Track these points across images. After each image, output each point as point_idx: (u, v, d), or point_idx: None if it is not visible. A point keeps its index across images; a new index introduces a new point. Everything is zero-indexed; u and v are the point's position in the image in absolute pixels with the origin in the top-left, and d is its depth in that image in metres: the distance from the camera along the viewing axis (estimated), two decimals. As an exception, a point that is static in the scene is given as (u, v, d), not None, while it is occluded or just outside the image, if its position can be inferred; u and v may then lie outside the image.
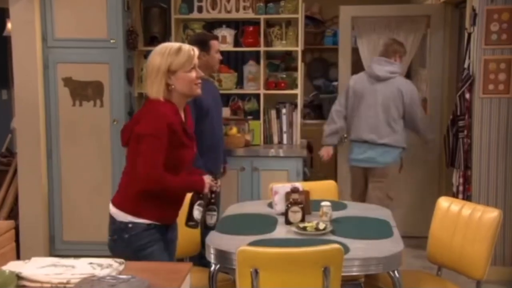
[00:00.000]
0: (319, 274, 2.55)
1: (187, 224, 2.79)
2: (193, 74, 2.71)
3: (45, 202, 4.92)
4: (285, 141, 5.19)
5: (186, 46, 2.71)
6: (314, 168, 6.33)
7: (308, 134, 6.33)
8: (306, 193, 3.41)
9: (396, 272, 2.83)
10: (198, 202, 2.76)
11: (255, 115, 5.30)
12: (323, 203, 3.28)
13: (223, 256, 2.85)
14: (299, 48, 5.14)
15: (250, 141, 5.10)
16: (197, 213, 2.76)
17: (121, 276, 1.94)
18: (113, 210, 2.74)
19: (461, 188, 4.67)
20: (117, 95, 4.89)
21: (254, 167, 4.87)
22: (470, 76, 4.64)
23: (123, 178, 2.80)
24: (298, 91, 5.16)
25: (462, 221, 3.23)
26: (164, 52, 2.66)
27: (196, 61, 2.72)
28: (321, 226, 3.09)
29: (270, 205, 3.55)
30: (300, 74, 5.20)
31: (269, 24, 5.29)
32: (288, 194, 3.32)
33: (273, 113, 5.23)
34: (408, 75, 6.08)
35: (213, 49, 4.11)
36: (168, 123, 2.62)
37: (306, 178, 4.91)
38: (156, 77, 2.65)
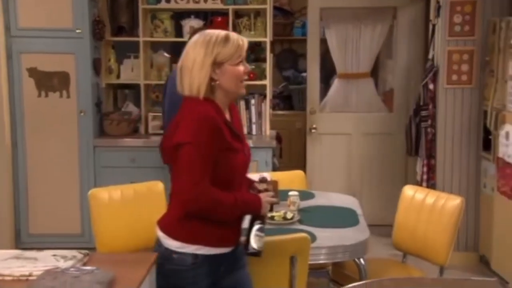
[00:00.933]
0: (286, 262, 2.57)
1: (247, 254, 2.35)
2: (241, 68, 2.28)
3: (10, 195, 4.82)
4: (254, 131, 5.18)
5: (235, 35, 2.29)
6: (283, 159, 6.34)
7: (278, 124, 6.34)
8: (274, 183, 3.40)
9: (362, 259, 2.87)
10: (258, 227, 2.29)
11: (224, 106, 5.27)
12: (290, 193, 3.30)
13: (191, 247, 2.83)
14: (267, 39, 5.13)
15: (219, 132, 5.07)
16: (256, 240, 2.28)
17: (85, 268, 1.91)
18: (159, 232, 2.34)
19: (425, 176, 4.74)
20: (84, 86, 4.81)
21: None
22: (434, 67, 4.70)
23: (172, 199, 2.38)
24: (267, 82, 5.16)
25: (426, 208, 3.28)
26: (209, 41, 2.22)
27: (244, 53, 2.31)
28: (289, 215, 3.11)
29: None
30: (269, 65, 5.20)
31: (238, 14, 5.25)
32: (254, 184, 3.32)
33: (242, 104, 5.20)
34: (376, 66, 6.15)
35: None
36: (210, 124, 2.19)
37: (275, 168, 4.91)
38: (200, 70, 2.21)
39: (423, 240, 3.23)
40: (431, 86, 4.73)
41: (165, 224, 2.32)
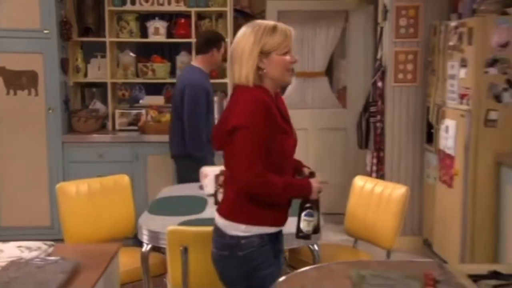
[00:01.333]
0: (243, 249, 2.56)
1: (297, 237, 2.31)
2: (287, 57, 2.19)
3: (-19, 190, 4.71)
4: (217, 127, 5.15)
5: (282, 25, 2.20)
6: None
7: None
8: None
9: (315, 245, 2.86)
10: (306, 211, 2.25)
11: (188, 102, 5.23)
12: (248, 184, 3.28)
13: (155, 236, 2.80)
14: (228, 40, 5.09)
15: (184, 129, 5.04)
16: (305, 224, 2.25)
17: (49, 258, 1.87)
18: (220, 222, 2.24)
19: (374, 168, 4.80)
20: (52, 84, 4.72)
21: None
22: (382, 66, 4.75)
23: (227, 185, 2.31)
24: (228, 80, 5.13)
25: (375, 197, 3.30)
26: (257, 31, 2.15)
27: (291, 43, 2.21)
28: (247, 205, 3.09)
29: (201, 187, 3.52)
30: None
31: (200, 16, 5.22)
32: (217, 177, 3.30)
33: (204, 100, 5.17)
34: (330, 65, 6.19)
35: (222, 48, 4.11)
36: (264, 107, 2.11)
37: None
38: (248, 59, 2.13)
39: (372, 226, 3.26)
40: (379, 84, 4.78)
41: (228, 212, 2.22)
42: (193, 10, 5.00)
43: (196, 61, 4.13)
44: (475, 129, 3.82)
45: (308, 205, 2.23)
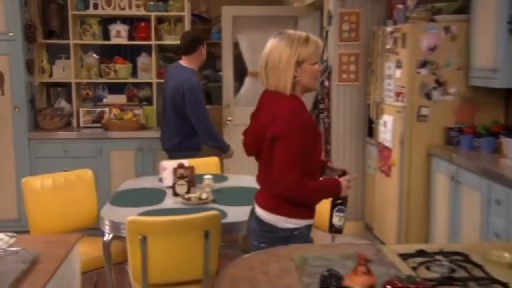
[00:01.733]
0: (200, 237, 2.55)
1: (330, 231, 2.34)
2: (317, 67, 2.20)
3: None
4: (176, 123, 5.11)
5: (313, 37, 2.19)
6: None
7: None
8: (191, 168, 3.39)
9: (266, 232, 2.88)
10: (337, 208, 2.27)
11: (149, 101, 5.20)
12: (205, 177, 3.28)
13: (116, 227, 2.76)
14: (186, 42, 5.06)
15: (145, 124, 5.01)
16: (337, 219, 2.28)
17: (10, 249, 1.82)
18: (269, 217, 2.22)
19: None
20: (18, 84, 4.61)
21: (149, 147, 4.78)
22: (328, 67, 4.82)
23: (268, 184, 2.25)
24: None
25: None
26: (292, 42, 2.13)
27: (320, 54, 2.23)
28: (204, 196, 3.09)
29: (161, 180, 3.49)
30: (187, 65, 5.13)
31: (160, 20, 5.17)
32: (175, 170, 3.29)
33: (164, 99, 5.13)
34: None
35: (205, 46, 4.12)
36: (304, 121, 2.12)
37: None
38: (286, 68, 2.12)
39: (318, 212, 3.29)
40: (326, 83, 4.85)
41: (281, 209, 2.20)
42: (152, 14, 4.95)
43: (185, 61, 4.05)
44: (409, 124, 3.92)
45: (339, 201, 2.26)
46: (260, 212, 2.25)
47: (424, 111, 3.90)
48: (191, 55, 4.01)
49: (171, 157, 4.15)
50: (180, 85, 3.91)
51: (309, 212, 2.27)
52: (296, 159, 2.09)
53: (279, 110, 2.13)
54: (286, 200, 2.17)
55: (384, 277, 1.51)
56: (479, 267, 1.71)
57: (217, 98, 7.23)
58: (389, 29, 4.19)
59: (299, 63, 2.13)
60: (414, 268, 1.71)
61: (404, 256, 1.80)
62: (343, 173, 2.32)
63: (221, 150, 4.09)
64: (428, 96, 3.88)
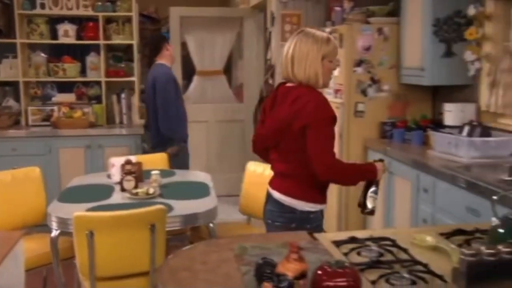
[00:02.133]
0: (146, 231, 2.53)
1: (363, 213, 2.35)
2: (333, 65, 2.27)
3: None
4: (125, 121, 5.03)
5: (332, 37, 2.28)
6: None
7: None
8: (139, 164, 3.34)
9: (211, 224, 2.88)
10: (372, 189, 2.29)
11: (98, 99, 5.07)
12: (153, 172, 3.23)
13: (63, 223, 2.69)
14: (134, 42, 4.98)
15: (95, 122, 4.89)
16: (371, 201, 2.30)
17: (-51, 248, 1.74)
18: (290, 201, 2.28)
19: (267, 154, 4.88)
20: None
21: (98, 145, 4.67)
22: (272, 65, 4.85)
23: (294, 168, 2.28)
24: (135, 78, 5.01)
25: (264, 179, 3.31)
26: (317, 39, 2.20)
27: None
28: (151, 191, 3.05)
29: (109, 176, 3.42)
30: (136, 64, 5.05)
31: (108, 20, 5.04)
32: (123, 166, 3.23)
33: (114, 97, 5.03)
34: (229, 65, 6.23)
35: (168, 42, 4.38)
36: (330, 107, 2.20)
37: (145, 152, 4.80)
38: (314, 63, 2.18)
39: (262, 204, 3.30)
40: (270, 81, 4.88)
41: (300, 194, 2.28)
42: (100, 14, 4.83)
43: (159, 59, 4.27)
44: (347, 119, 4.00)
45: (373, 184, 2.30)
46: (279, 196, 2.33)
47: (361, 107, 3.99)
48: (159, 54, 4.23)
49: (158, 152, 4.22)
50: (153, 78, 4.13)
51: (323, 198, 2.36)
52: (329, 143, 2.18)
53: (305, 102, 2.17)
54: (307, 186, 2.26)
55: (317, 263, 1.53)
56: (404, 250, 1.76)
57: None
58: (327, 30, 4.24)
59: (322, 59, 2.21)
60: (345, 254, 1.75)
61: (338, 243, 1.84)
62: (380, 160, 2.39)
63: (172, 143, 4.15)
64: (364, 93, 3.97)
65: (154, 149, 4.24)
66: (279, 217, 2.32)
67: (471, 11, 3.35)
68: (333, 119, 2.19)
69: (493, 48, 3.32)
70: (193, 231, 3.41)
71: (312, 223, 2.28)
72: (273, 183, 2.40)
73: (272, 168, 2.42)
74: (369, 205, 2.33)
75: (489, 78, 3.34)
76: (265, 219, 2.42)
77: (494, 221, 1.65)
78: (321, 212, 2.37)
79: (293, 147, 2.23)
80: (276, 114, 2.29)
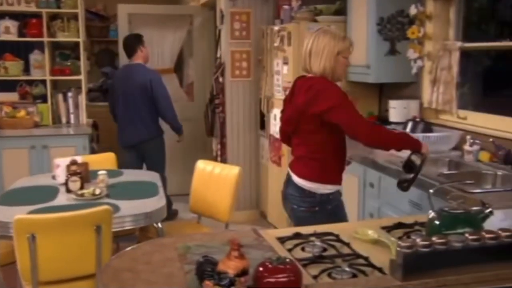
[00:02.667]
0: (92, 232, 2.46)
1: (398, 186, 2.40)
2: (347, 61, 2.49)
3: None
4: (72, 121, 4.89)
5: (347, 35, 2.55)
6: (100, 143, 6.10)
7: (99, 114, 6.09)
8: (85, 164, 3.26)
9: (159, 224, 2.85)
10: (414, 159, 2.35)
11: (43, 98, 4.90)
12: (99, 172, 3.16)
13: (4, 226, 2.56)
14: (80, 40, 4.84)
15: (39, 122, 4.72)
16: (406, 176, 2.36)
17: None
18: (309, 185, 2.44)
19: (219, 152, 4.88)
20: None
21: (43, 145, 4.51)
22: (222, 63, 4.83)
23: (312, 151, 2.45)
24: (82, 77, 4.87)
25: (213, 178, 3.36)
26: (335, 36, 2.42)
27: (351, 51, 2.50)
28: (97, 191, 2.98)
29: (54, 177, 3.32)
30: (83, 62, 4.90)
31: (53, 17, 4.88)
32: (68, 166, 3.14)
33: (60, 96, 4.87)
34: (180, 63, 6.15)
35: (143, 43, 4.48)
36: (339, 90, 2.40)
37: (93, 152, 4.69)
38: (330, 57, 2.39)
39: (211, 203, 3.31)
40: (220, 79, 4.86)
41: (318, 177, 2.44)
42: (44, 11, 4.65)
43: (135, 60, 4.45)
44: (296, 117, 4.03)
45: (414, 158, 2.34)
46: (299, 180, 2.47)
47: (309, 105, 4.02)
48: (135, 54, 4.43)
49: (144, 149, 4.46)
50: (147, 79, 4.31)
51: (339, 178, 2.50)
52: (355, 114, 2.33)
53: (318, 89, 2.36)
54: (324, 168, 2.44)
55: (261, 260, 1.53)
56: (347, 244, 1.80)
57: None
58: (276, 28, 4.28)
59: (337, 54, 2.40)
60: (290, 250, 1.76)
61: (282, 239, 1.85)
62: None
63: (179, 131, 4.60)
64: (308, 90, 4.01)
65: (139, 147, 4.45)
66: (302, 202, 2.48)
67: (413, 10, 3.45)
68: (344, 94, 2.39)
69: (433, 47, 3.44)
70: (142, 231, 3.35)
71: (332, 203, 2.47)
72: (293, 166, 2.56)
73: (293, 152, 2.61)
74: (407, 175, 2.36)
75: (430, 75, 3.45)
76: (288, 203, 2.58)
77: (431, 213, 1.70)
78: (338, 192, 2.53)
79: (310, 130, 2.42)
80: (294, 102, 2.49)
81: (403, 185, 2.37)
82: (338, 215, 2.49)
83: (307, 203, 2.47)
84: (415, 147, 2.37)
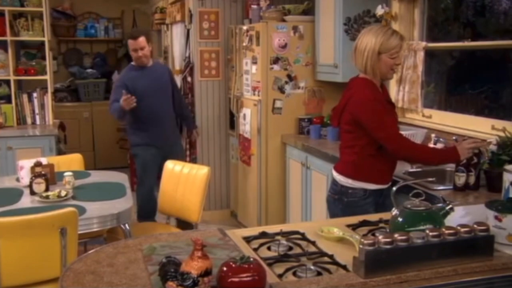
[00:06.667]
0: (57, 235, 2.41)
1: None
2: (394, 60, 2.38)
3: None
4: (38, 121, 4.78)
5: (399, 34, 2.39)
6: (72, 144, 5.99)
7: (67, 115, 6.02)
8: (50, 166, 3.19)
9: (126, 225, 2.80)
10: (458, 168, 2.44)
11: (7, 99, 4.77)
12: (66, 173, 3.11)
13: (-36, 231, 2.50)
14: (46, 39, 4.73)
15: (3, 123, 4.60)
16: (456, 179, 2.46)
17: None
18: (336, 175, 2.53)
19: (188, 152, 4.84)
20: None
21: (8, 147, 4.39)
22: (190, 63, 4.79)
23: (343, 146, 2.55)
24: (48, 77, 4.77)
25: (182, 178, 3.33)
26: (378, 34, 2.35)
27: (401, 51, 2.39)
28: (63, 193, 2.92)
29: (18, 179, 3.24)
30: (49, 62, 4.80)
31: (16, 15, 4.75)
32: (32, 168, 3.07)
33: (25, 97, 4.76)
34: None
35: (129, 45, 4.03)
36: (372, 96, 2.36)
37: (61, 153, 4.60)
38: (368, 55, 2.36)
39: (181, 203, 3.28)
40: (189, 79, 4.83)
41: (341, 169, 2.50)
42: (6, 9, 4.53)
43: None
44: (264, 116, 4.04)
45: (461, 164, 2.42)
46: (332, 170, 2.60)
47: (278, 104, 4.04)
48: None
49: (174, 148, 4.16)
50: (166, 71, 4.20)
51: (366, 177, 2.45)
52: (385, 125, 2.34)
53: (352, 93, 2.41)
54: (349, 163, 2.48)
55: (226, 260, 1.53)
56: (313, 243, 1.81)
57: (86, 96, 6.90)
58: (245, 27, 4.27)
59: (379, 53, 2.34)
60: (255, 249, 1.76)
61: (248, 239, 1.85)
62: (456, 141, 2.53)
63: (194, 127, 4.57)
64: (281, 90, 4.03)
65: (174, 144, 4.22)
66: (331, 188, 2.59)
67: (379, 11, 3.49)
68: (377, 101, 2.36)
69: (399, 47, 3.48)
70: (110, 232, 3.30)
71: (348, 197, 2.47)
72: None
73: None
74: (456, 181, 2.47)
75: (396, 75, 3.50)
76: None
77: (394, 211, 1.72)
78: (364, 190, 2.46)
79: (343, 128, 2.50)
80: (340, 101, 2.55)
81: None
82: (354, 210, 2.41)
83: (332, 190, 2.58)
84: (452, 157, 2.39)
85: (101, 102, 6.82)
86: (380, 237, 1.47)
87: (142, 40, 3.93)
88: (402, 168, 2.94)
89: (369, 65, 2.37)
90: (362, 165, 2.45)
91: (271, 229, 1.93)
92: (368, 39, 2.37)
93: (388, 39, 2.34)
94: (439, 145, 3.03)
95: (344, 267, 1.58)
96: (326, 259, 1.66)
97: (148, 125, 4.00)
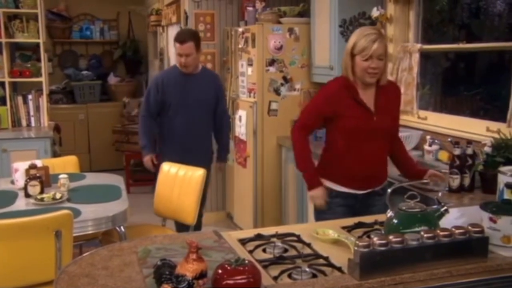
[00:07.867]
0: (51, 237, 2.40)
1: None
2: (366, 63, 2.27)
3: None
4: (33, 123, 4.77)
5: (377, 37, 2.25)
6: (68, 146, 5.98)
7: (62, 117, 6.00)
8: (45, 168, 3.18)
9: (122, 227, 2.79)
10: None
11: (2, 101, 4.76)
12: (60, 176, 3.10)
13: (-42, 234, 2.49)
14: (41, 40, 4.72)
15: (-2, 125, 4.59)
16: (450, 180, 2.47)
17: None
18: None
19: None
20: None
21: (3, 149, 4.38)
22: (186, 65, 4.79)
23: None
24: (43, 79, 4.76)
25: (178, 180, 3.32)
26: (355, 34, 2.33)
27: (372, 53, 2.25)
28: (58, 195, 2.91)
29: (13, 182, 3.22)
30: (44, 64, 4.79)
31: (10, 17, 4.74)
32: (27, 170, 3.06)
33: (20, 99, 4.75)
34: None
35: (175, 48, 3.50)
36: (323, 89, 2.47)
37: (56, 155, 4.58)
38: (345, 54, 2.35)
39: (176, 205, 3.26)
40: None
41: (322, 171, 2.50)
42: (1, 10, 4.52)
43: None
44: (260, 118, 4.04)
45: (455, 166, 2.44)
46: None
47: (274, 106, 4.05)
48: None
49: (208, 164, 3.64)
50: (215, 85, 3.60)
51: (339, 179, 2.44)
52: (302, 114, 2.51)
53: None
54: (326, 164, 2.49)
55: (221, 262, 1.53)
56: (308, 245, 1.81)
57: (82, 98, 6.88)
58: (240, 29, 4.28)
59: (353, 55, 2.30)
60: (251, 251, 1.76)
61: (243, 241, 1.85)
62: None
63: (225, 160, 3.83)
64: (276, 91, 4.04)
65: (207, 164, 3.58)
66: None
67: (375, 13, 3.50)
68: (324, 91, 2.44)
69: (394, 48, 3.50)
70: (105, 235, 3.29)
71: (330, 198, 2.45)
72: None
73: None
74: (450, 183, 2.47)
75: (391, 77, 3.51)
76: None
77: (389, 212, 1.72)
78: (330, 189, 2.45)
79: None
80: None
81: None
82: (321, 213, 2.45)
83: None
84: (307, 182, 2.49)
85: (97, 104, 6.83)
86: (375, 239, 1.47)
87: (189, 46, 3.36)
88: (397, 170, 2.95)
89: (343, 65, 2.38)
90: (329, 162, 2.48)
91: (267, 231, 1.93)
92: (349, 40, 2.36)
93: (359, 41, 2.27)
94: (434, 147, 3.04)
95: (339, 269, 1.58)
96: (321, 261, 1.66)
97: (179, 143, 3.55)
